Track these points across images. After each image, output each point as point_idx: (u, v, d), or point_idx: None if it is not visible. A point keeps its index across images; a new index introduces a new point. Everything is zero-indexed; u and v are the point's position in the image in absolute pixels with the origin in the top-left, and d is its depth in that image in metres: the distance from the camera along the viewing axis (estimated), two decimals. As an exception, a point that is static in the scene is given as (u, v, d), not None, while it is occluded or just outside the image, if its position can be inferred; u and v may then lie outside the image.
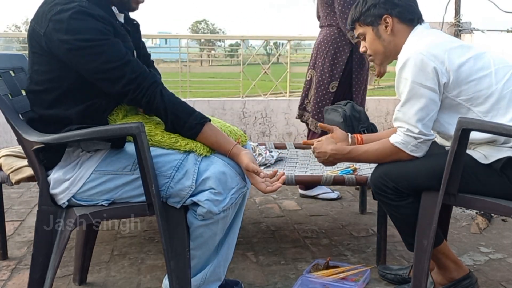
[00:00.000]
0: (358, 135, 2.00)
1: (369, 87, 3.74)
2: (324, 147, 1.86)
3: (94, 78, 1.48)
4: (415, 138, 1.67)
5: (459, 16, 4.64)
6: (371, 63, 2.96)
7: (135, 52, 1.64)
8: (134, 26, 1.74)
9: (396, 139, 1.71)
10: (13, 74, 1.79)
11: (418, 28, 1.78)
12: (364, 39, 1.86)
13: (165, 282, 1.69)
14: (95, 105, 1.53)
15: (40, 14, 1.50)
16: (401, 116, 1.70)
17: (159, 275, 2.09)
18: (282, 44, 5.70)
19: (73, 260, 2.08)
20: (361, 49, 1.89)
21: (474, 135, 1.62)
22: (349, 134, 2.00)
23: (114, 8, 1.62)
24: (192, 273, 1.61)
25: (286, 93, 5.06)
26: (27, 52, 1.62)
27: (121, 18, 1.66)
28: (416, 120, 1.66)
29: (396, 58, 1.80)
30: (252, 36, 5.82)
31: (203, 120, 1.56)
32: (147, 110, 1.56)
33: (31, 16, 1.63)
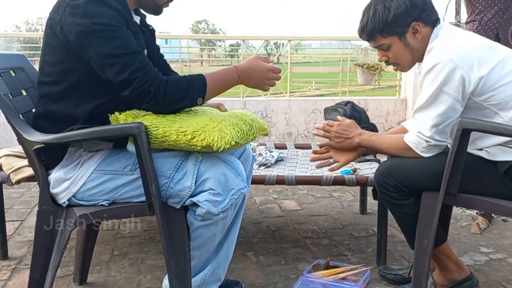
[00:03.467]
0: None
1: (368, 87, 3.74)
2: (352, 127, 1.84)
3: (103, 63, 1.46)
4: (426, 141, 1.67)
5: (460, 16, 4.63)
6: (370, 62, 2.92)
7: (146, 51, 1.64)
8: (149, 31, 1.74)
9: (409, 138, 1.71)
10: (13, 74, 1.79)
11: (442, 27, 1.73)
12: (386, 49, 1.76)
13: (165, 282, 1.69)
14: (104, 106, 1.53)
15: (58, 3, 1.52)
16: (418, 116, 1.68)
17: (159, 275, 2.09)
18: (283, 44, 5.70)
19: (73, 260, 2.08)
20: (381, 58, 1.79)
21: (487, 142, 1.62)
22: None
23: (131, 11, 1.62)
24: (192, 273, 1.61)
25: (286, 93, 5.06)
26: (27, 52, 1.63)
27: (137, 19, 1.66)
28: (432, 125, 1.64)
29: (420, 61, 1.76)
30: (252, 36, 5.83)
31: (200, 75, 1.56)
32: (152, 100, 1.49)
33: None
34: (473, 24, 2.92)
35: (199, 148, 1.47)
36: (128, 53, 1.46)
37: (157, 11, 1.69)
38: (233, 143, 1.47)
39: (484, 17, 2.88)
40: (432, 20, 1.72)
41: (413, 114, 1.73)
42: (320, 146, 1.94)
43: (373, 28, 1.72)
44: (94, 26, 1.44)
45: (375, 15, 1.70)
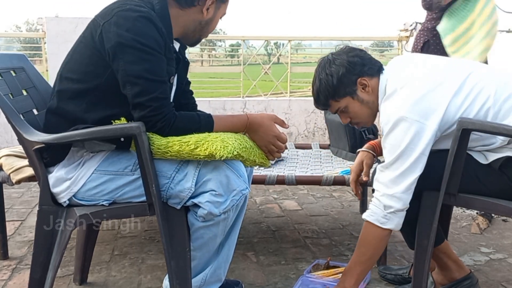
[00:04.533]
0: (371, 142, 1.94)
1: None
2: None
3: (128, 80, 1.46)
4: (385, 207, 1.60)
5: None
6: None
7: (173, 78, 1.64)
8: (184, 62, 1.75)
9: (366, 213, 1.66)
10: (14, 74, 1.79)
11: (387, 71, 1.72)
12: (345, 111, 1.76)
13: (166, 282, 1.69)
14: (114, 117, 1.52)
15: (107, 9, 1.52)
16: (381, 177, 1.62)
17: (159, 275, 2.09)
18: (283, 44, 5.70)
19: (73, 260, 2.09)
20: (345, 121, 1.80)
21: (472, 143, 1.60)
22: (371, 152, 1.91)
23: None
24: (192, 274, 1.61)
25: (286, 93, 5.06)
26: (27, 52, 1.63)
27: (176, 46, 1.67)
28: (398, 182, 1.58)
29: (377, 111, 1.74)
30: (252, 36, 5.82)
31: (209, 118, 1.57)
32: (157, 132, 1.50)
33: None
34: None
35: (202, 157, 1.47)
36: (154, 79, 1.47)
37: (194, 43, 1.72)
38: (235, 153, 1.48)
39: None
40: (376, 71, 1.73)
41: (377, 175, 1.64)
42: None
43: (324, 97, 1.75)
44: (134, 43, 1.44)
45: (321, 84, 1.74)
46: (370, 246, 1.67)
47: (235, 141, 1.51)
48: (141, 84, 1.46)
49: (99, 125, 1.50)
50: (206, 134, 1.51)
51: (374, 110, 1.76)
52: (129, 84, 1.47)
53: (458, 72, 1.63)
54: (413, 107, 1.56)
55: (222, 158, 1.46)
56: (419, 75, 1.66)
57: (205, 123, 1.56)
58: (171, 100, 1.61)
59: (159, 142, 1.49)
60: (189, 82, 1.89)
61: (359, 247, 1.70)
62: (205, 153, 1.46)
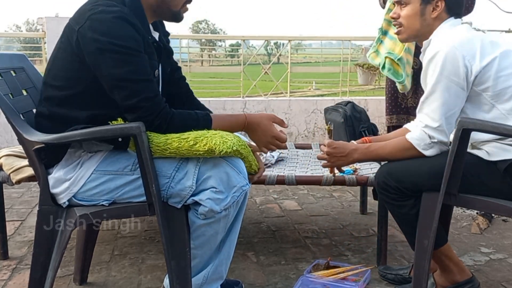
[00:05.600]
0: (366, 138, 1.98)
1: (368, 87, 3.74)
2: (343, 144, 1.85)
3: (114, 84, 1.46)
4: (430, 136, 1.67)
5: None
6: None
7: (157, 72, 1.63)
8: (166, 50, 1.73)
9: (411, 135, 1.72)
10: (14, 74, 1.79)
11: (451, 20, 1.77)
12: (403, 6, 1.79)
13: (166, 281, 1.69)
14: (104, 117, 1.52)
15: (80, 12, 1.50)
16: (425, 108, 1.70)
17: (159, 275, 2.09)
18: (283, 44, 5.70)
19: (73, 260, 2.08)
20: (393, 15, 1.83)
21: (483, 135, 1.62)
22: (352, 141, 1.97)
23: (150, 25, 1.62)
24: (193, 272, 1.61)
25: (286, 93, 5.06)
26: (27, 52, 1.63)
27: (155, 35, 1.66)
28: (439, 114, 1.65)
29: (420, 41, 1.81)
30: (252, 36, 5.82)
31: (207, 116, 1.57)
32: (155, 131, 1.51)
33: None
34: None
35: (201, 153, 1.47)
36: (140, 80, 1.46)
37: (176, 18, 1.66)
38: (234, 148, 1.48)
39: None
40: (454, 12, 1.77)
41: (420, 106, 1.73)
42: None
43: None
44: (113, 46, 1.43)
45: None
46: (397, 155, 1.75)
47: (234, 137, 1.52)
48: (128, 87, 1.45)
49: (92, 121, 1.50)
50: (205, 131, 1.52)
51: (420, 33, 1.79)
52: (116, 88, 1.46)
53: (508, 46, 1.70)
54: (463, 43, 1.64)
55: (222, 153, 1.46)
56: (477, 32, 1.75)
57: (203, 121, 1.55)
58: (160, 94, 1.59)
59: (158, 140, 1.49)
60: (179, 68, 1.86)
61: (386, 148, 1.77)
62: (205, 148, 1.46)
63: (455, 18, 1.78)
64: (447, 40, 1.66)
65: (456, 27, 1.75)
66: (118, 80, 1.45)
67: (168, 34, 1.79)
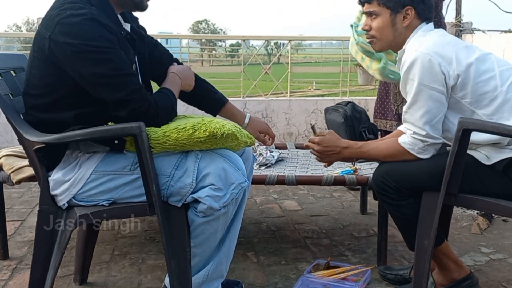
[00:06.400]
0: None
1: (369, 87, 3.74)
2: (334, 141, 1.85)
3: (96, 82, 1.46)
4: (422, 141, 1.67)
5: (460, 16, 4.63)
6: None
7: (135, 66, 1.63)
8: (139, 37, 1.72)
9: (404, 139, 1.72)
10: (14, 74, 1.79)
11: (423, 26, 1.77)
12: (374, 18, 1.78)
13: (167, 280, 1.69)
14: (89, 113, 1.53)
15: (47, 18, 1.49)
16: (409, 118, 1.70)
17: (159, 275, 2.09)
18: (283, 44, 5.70)
19: (73, 260, 2.08)
20: (364, 27, 1.82)
21: (478, 137, 1.62)
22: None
23: (120, 18, 1.62)
24: (194, 271, 1.61)
25: (287, 93, 5.06)
26: (27, 52, 1.63)
27: (127, 27, 1.65)
28: (424, 122, 1.65)
29: (395, 50, 1.81)
30: (253, 36, 5.81)
31: (165, 89, 1.65)
32: (150, 121, 1.51)
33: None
34: None
35: (203, 139, 1.49)
36: (122, 74, 1.47)
37: (139, 7, 1.63)
38: (233, 130, 1.53)
39: None
40: (425, 17, 1.76)
41: (403, 116, 1.73)
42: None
43: None
44: (88, 48, 1.42)
45: None
46: (393, 159, 1.75)
47: (228, 122, 1.57)
48: (112, 82, 1.46)
49: (83, 122, 1.50)
50: (200, 119, 1.54)
51: (393, 42, 1.79)
52: (99, 86, 1.46)
53: (484, 50, 1.71)
54: (437, 49, 1.63)
55: (224, 136, 1.49)
56: (450, 36, 1.76)
57: (169, 92, 1.62)
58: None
59: (156, 134, 1.50)
60: (156, 44, 1.85)
61: (380, 151, 1.77)
62: (205, 134, 1.49)
63: (427, 23, 1.77)
64: (421, 48, 1.65)
65: (429, 33, 1.74)
66: (100, 77, 1.45)
67: (136, 18, 1.77)
